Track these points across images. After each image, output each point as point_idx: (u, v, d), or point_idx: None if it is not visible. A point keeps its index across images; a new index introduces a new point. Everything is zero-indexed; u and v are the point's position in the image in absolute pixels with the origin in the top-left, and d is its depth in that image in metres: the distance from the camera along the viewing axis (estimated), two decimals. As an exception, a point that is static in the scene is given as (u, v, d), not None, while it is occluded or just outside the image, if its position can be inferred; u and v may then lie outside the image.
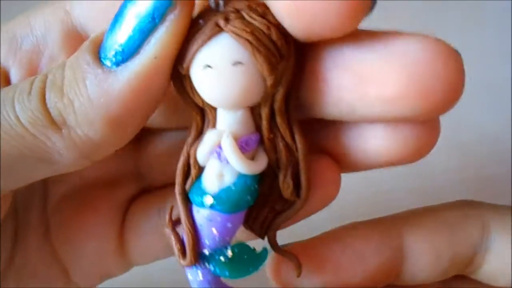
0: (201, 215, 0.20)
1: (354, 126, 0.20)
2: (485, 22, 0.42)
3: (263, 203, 0.21)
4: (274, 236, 0.21)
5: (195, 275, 0.21)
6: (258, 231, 0.21)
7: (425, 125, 0.19)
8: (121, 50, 0.18)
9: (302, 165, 0.20)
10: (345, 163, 0.21)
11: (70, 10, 0.22)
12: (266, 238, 0.21)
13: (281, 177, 0.20)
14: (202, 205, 0.20)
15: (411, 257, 0.23)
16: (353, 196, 0.36)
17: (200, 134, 0.20)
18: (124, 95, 0.18)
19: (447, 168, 0.39)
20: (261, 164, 0.20)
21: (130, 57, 0.18)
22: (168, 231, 0.21)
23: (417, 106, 0.17)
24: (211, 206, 0.19)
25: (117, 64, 0.18)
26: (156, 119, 0.22)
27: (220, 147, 0.19)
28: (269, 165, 0.20)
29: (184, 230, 0.20)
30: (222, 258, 0.20)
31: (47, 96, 0.19)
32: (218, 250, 0.20)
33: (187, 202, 0.20)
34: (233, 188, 0.19)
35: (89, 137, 0.19)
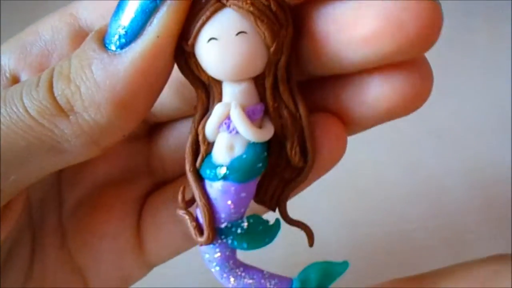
0: (214, 189, 0.20)
1: (351, 81, 0.21)
2: (495, 49, 0.42)
3: (272, 174, 0.21)
4: (285, 207, 0.22)
5: (213, 253, 0.21)
6: (269, 203, 0.22)
7: (417, 73, 0.20)
8: (124, 33, 0.19)
9: (306, 131, 0.21)
10: (348, 119, 0.21)
11: (76, 14, 0.23)
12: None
13: (288, 145, 0.21)
14: (215, 178, 0.20)
15: None
16: (379, 230, 0.35)
17: (206, 111, 0.21)
18: (129, 76, 0.19)
19: (468, 208, 0.40)
20: (269, 131, 0.20)
21: (133, 38, 0.19)
22: (181, 212, 0.21)
23: (395, 42, 0.19)
24: (225, 177, 0.20)
25: (122, 47, 0.19)
26: (163, 110, 0.23)
27: (228, 118, 0.20)
28: (275, 135, 0.21)
29: (199, 207, 0.21)
30: (239, 230, 0.21)
31: (54, 85, 0.19)
32: (234, 222, 0.21)
33: (199, 179, 0.21)
34: (244, 156, 0.20)
35: (96, 122, 0.19)
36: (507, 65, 0.41)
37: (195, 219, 0.21)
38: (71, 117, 0.19)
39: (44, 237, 0.24)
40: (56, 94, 0.19)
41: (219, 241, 0.21)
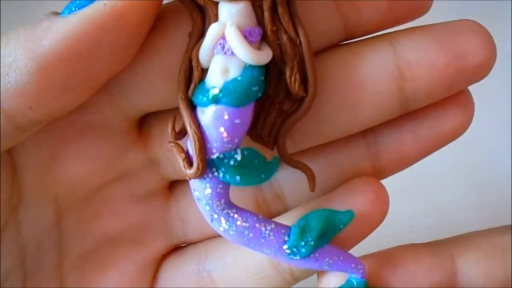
0: (206, 115, 0.19)
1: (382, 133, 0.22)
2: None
3: (270, 106, 0.20)
4: (284, 144, 0.20)
5: (203, 189, 0.19)
6: (267, 139, 0.20)
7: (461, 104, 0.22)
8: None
9: (307, 59, 0.19)
10: (384, 174, 0.23)
11: None
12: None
13: (287, 72, 0.19)
14: (207, 102, 0.19)
15: (462, 280, 0.22)
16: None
17: (201, 35, 0.19)
18: (67, 36, 0.18)
19: (464, 206, 0.40)
20: (266, 54, 0.19)
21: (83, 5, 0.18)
22: (170, 144, 0.20)
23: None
24: (217, 100, 0.18)
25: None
26: None
27: (224, 38, 0.19)
28: (274, 62, 0.19)
29: (189, 136, 0.19)
30: (232, 162, 0.19)
31: None
32: (227, 153, 0.19)
33: (191, 107, 0.19)
34: (239, 78, 0.19)
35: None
36: (507, 65, 0.40)
37: (185, 151, 0.19)
38: None
39: (39, 281, 0.22)
40: None
41: (210, 175, 0.19)
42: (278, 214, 0.24)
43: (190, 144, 0.19)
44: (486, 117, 0.40)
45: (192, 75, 0.19)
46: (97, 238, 0.23)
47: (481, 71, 0.21)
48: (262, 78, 0.19)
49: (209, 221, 0.20)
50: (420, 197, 0.39)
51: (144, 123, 0.23)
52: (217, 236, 0.24)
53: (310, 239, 0.20)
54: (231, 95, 0.18)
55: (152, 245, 0.24)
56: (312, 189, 0.20)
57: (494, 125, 0.40)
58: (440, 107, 0.22)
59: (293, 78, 0.19)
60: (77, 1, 0.18)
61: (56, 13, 0.19)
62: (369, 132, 0.23)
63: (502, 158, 0.40)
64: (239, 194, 0.22)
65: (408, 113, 0.22)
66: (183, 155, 0.19)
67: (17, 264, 0.22)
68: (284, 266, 0.22)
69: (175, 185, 0.24)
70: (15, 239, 0.22)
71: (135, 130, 0.23)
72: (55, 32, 0.18)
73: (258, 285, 0.23)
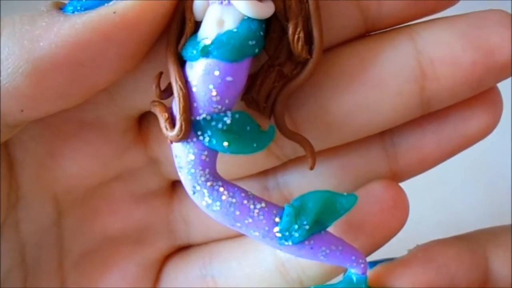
0: (195, 71, 0.17)
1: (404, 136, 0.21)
2: None
3: (269, 67, 0.18)
4: (282, 113, 0.18)
5: (185, 155, 0.17)
6: (263, 105, 0.18)
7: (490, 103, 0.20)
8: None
9: (313, 16, 0.17)
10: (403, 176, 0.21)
11: None
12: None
13: (290, 29, 0.17)
14: (197, 54, 0.16)
15: (494, 279, 0.21)
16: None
17: None
18: (73, 37, 0.16)
19: (472, 203, 0.39)
20: (268, 7, 0.17)
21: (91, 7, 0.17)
22: (153, 104, 0.17)
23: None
24: (208, 53, 0.16)
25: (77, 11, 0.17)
26: None
27: None
28: (277, 19, 0.17)
29: (174, 94, 0.17)
30: (220, 125, 0.17)
31: None
32: (215, 115, 0.17)
33: (179, 62, 0.17)
34: (234, 30, 0.16)
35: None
36: None
37: (168, 110, 0.17)
38: None
39: (40, 280, 0.21)
40: None
41: (194, 139, 0.17)
42: None
43: (174, 102, 0.17)
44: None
45: (184, 28, 0.17)
46: (98, 237, 0.22)
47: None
48: (261, 33, 0.17)
49: (190, 193, 0.17)
50: (427, 193, 0.37)
51: (144, 122, 0.22)
52: (222, 239, 0.23)
53: (305, 223, 0.17)
54: (224, 48, 0.16)
55: (154, 245, 0.23)
56: (312, 166, 0.18)
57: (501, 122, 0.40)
58: (466, 106, 0.20)
59: (296, 37, 0.17)
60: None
61: (59, 5, 0.17)
62: (387, 133, 0.21)
63: (505, 156, 0.39)
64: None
65: (430, 113, 0.20)
66: (166, 114, 0.17)
67: (17, 263, 0.21)
68: (293, 275, 0.21)
69: (177, 186, 0.23)
70: (15, 237, 0.21)
71: (135, 129, 0.22)
72: (56, 34, 0.16)
73: None
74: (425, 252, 0.20)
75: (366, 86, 0.19)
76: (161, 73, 0.17)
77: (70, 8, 0.17)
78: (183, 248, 0.24)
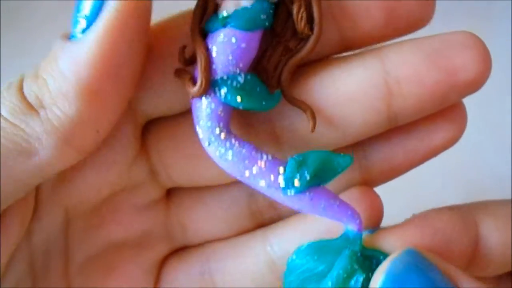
0: (215, 40, 0.20)
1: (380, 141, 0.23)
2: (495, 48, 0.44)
3: (277, 43, 0.21)
4: (288, 81, 0.21)
5: (204, 108, 0.20)
6: (272, 74, 0.21)
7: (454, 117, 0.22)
8: (85, 18, 0.18)
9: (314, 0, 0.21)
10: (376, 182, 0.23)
11: None
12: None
13: (295, 8, 0.20)
14: (218, 25, 0.20)
15: (484, 246, 0.22)
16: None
17: None
18: (92, 58, 0.18)
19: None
20: (277, -10, 0.20)
21: (94, 19, 0.18)
22: (177, 68, 0.20)
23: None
24: (227, 23, 0.20)
25: (83, 31, 0.18)
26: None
27: None
28: (284, 5, 0.21)
29: (197, 59, 0.20)
30: (234, 83, 0.20)
31: (24, 85, 0.19)
32: (231, 75, 0.20)
33: (202, 35, 0.20)
34: (249, 7, 0.20)
35: (66, 114, 0.19)
36: (507, 65, 0.40)
37: (191, 74, 0.20)
38: (41, 113, 0.19)
39: (48, 284, 0.22)
40: (25, 92, 0.19)
41: (212, 94, 0.20)
42: (272, 222, 0.24)
43: (197, 64, 0.20)
44: (486, 120, 0.39)
45: (207, 10, 0.21)
46: (102, 244, 0.24)
47: (474, 85, 0.21)
48: (271, 11, 0.20)
49: (206, 144, 0.20)
50: (408, 194, 0.37)
51: (145, 133, 0.23)
52: (218, 239, 0.25)
53: (306, 173, 0.19)
54: (241, 19, 0.20)
55: (154, 249, 0.25)
56: (312, 129, 0.20)
57: (494, 129, 0.40)
58: (431, 120, 0.22)
59: (299, 16, 0.20)
60: (86, 16, 0.18)
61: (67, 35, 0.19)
62: (358, 146, 0.23)
63: (490, 157, 0.39)
64: (232, 200, 0.24)
65: (397, 127, 0.22)
66: (189, 76, 0.20)
67: (27, 271, 0.22)
68: (283, 270, 0.22)
69: (173, 193, 0.25)
70: (26, 247, 0.22)
71: (140, 138, 0.23)
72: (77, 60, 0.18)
73: None
74: (421, 218, 0.21)
75: (337, 102, 0.21)
76: (184, 46, 0.21)
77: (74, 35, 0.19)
78: (180, 250, 0.25)
